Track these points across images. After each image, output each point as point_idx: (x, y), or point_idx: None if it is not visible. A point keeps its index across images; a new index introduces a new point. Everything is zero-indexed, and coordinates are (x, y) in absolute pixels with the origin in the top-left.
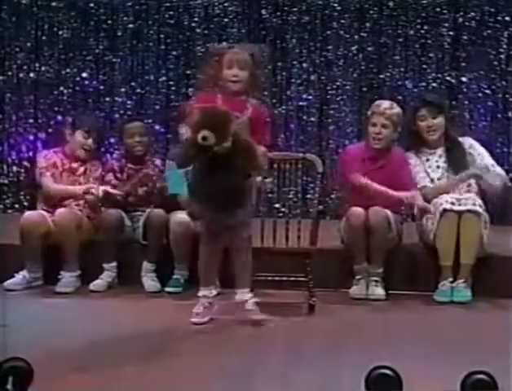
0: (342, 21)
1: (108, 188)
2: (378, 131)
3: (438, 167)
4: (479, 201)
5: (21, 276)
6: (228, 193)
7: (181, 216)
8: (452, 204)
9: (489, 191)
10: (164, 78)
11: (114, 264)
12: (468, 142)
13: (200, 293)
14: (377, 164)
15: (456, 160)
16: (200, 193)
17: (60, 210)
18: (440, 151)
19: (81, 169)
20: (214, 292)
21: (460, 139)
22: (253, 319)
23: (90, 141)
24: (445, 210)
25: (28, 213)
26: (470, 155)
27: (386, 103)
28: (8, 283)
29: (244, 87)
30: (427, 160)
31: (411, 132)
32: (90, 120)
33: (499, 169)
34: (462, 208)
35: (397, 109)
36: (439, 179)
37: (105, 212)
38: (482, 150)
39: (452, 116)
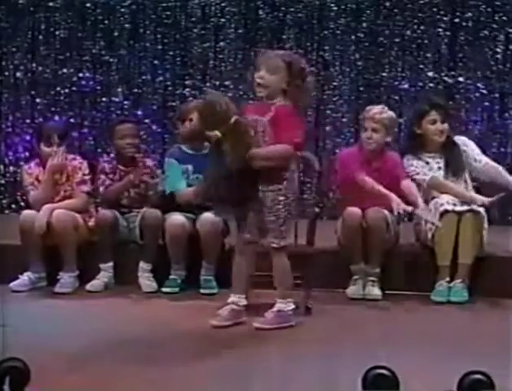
0: (339, 21)
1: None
2: (369, 136)
3: (439, 168)
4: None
5: (26, 277)
6: (225, 183)
7: (177, 217)
8: (454, 205)
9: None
10: (161, 78)
11: (110, 264)
12: (460, 140)
13: (230, 300)
14: (371, 167)
15: (455, 162)
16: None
17: (57, 212)
18: (438, 153)
19: (64, 177)
20: (244, 302)
21: (455, 139)
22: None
23: (54, 148)
24: (446, 211)
25: (26, 212)
26: (465, 152)
27: (375, 108)
28: (14, 284)
29: (270, 92)
30: (427, 162)
31: (413, 134)
32: (48, 126)
33: (493, 163)
34: (464, 208)
35: (388, 113)
36: None
37: (100, 212)
38: (474, 145)
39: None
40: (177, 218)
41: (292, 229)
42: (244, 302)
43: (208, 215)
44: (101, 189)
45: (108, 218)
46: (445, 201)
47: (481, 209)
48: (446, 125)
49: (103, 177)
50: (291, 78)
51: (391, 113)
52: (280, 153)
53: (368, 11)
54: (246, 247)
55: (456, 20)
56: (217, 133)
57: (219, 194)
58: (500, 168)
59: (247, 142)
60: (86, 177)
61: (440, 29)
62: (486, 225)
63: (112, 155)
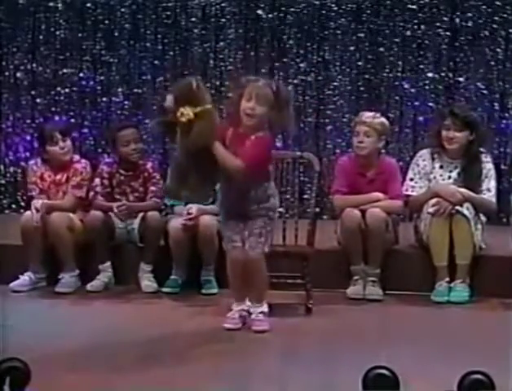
0: (340, 21)
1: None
2: (361, 140)
3: (449, 177)
4: (467, 203)
5: (27, 277)
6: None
7: (179, 219)
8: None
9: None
10: (161, 78)
11: (108, 264)
12: (483, 157)
13: (235, 308)
14: (367, 179)
15: (472, 178)
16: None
17: (52, 213)
18: (457, 163)
19: (64, 178)
20: (249, 303)
21: (482, 156)
22: (256, 330)
23: (61, 144)
24: (435, 212)
25: (27, 213)
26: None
27: (368, 113)
28: (14, 284)
29: (258, 123)
30: (441, 166)
31: (437, 134)
32: (48, 126)
33: (490, 195)
34: (452, 210)
35: (380, 119)
36: None
37: (89, 214)
38: (491, 172)
39: (483, 133)
40: (179, 220)
41: (292, 229)
42: (249, 304)
43: (203, 217)
44: (91, 194)
45: (97, 220)
46: (434, 201)
47: (466, 211)
48: (461, 135)
49: (97, 181)
50: (278, 108)
51: (384, 119)
52: (232, 166)
53: (368, 11)
54: (240, 253)
55: (457, 20)
56: (190, 113)
57: (188, 180)
58: (491, 204)
59: (213, 133)
60: (84, 183)
61: (440, 29)
62: (480, 225)
63: (113, 156)
